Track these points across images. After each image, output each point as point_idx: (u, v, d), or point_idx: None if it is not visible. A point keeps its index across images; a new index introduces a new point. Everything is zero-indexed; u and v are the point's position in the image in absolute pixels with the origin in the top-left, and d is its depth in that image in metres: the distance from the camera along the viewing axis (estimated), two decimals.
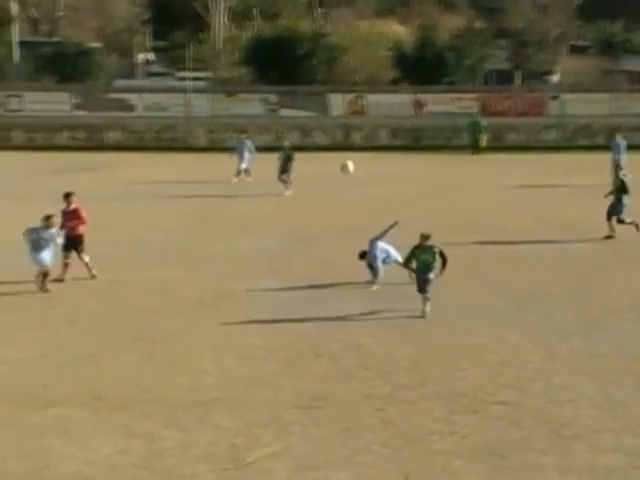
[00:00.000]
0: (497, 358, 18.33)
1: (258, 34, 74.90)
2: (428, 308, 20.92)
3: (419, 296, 21.00)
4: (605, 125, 58.27)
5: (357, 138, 58.93)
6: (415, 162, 51.20)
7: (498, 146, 56.46)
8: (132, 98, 60.28)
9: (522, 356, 18.48)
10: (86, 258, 23.96)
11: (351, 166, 19.71)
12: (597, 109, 59.39)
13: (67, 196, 24.33)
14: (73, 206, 24.11)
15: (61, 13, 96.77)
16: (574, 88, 63.06)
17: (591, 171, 41.90)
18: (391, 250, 23.47)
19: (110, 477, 13.37)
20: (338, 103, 61.13)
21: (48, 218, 22.67)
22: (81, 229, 23.99)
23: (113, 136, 57.07)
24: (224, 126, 56.77)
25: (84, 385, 16.80)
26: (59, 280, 23.58)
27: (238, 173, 41.94)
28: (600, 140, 56.60)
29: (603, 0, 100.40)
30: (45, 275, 22.54)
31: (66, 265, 23.81)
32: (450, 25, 78.26)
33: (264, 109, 60.46)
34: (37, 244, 22.39)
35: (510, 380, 17.11)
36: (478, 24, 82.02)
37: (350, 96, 61.39)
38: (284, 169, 38.64)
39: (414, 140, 59.00)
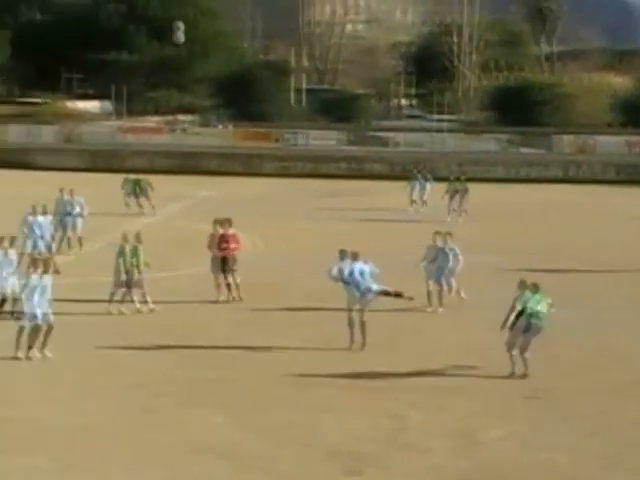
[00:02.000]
0: None
1: (502, 84, 75.17)
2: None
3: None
4: None
5: (579, 172, 57.51)
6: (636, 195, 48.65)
7: None
8: (392, 136, 61.03)
9: None
10: (238, 279, 22.42)
11: None
12: None
13: (226, 222, 22.84)
14: (232, 231, 22.71)
15: (341, 66, 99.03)
16: None
17: None
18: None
19: (362, 447, 13.62)
20: (564, 142, 60.12)
21: (354, 254, 18.88)
22: (237, 252, 22.59)
23: (375, 167, 57.53)
24: (468, 160, 56.63)
25: (347, 371, 17.15)
26: (225, 301, 22.34)
27: (412, 202, 39.93)
28: None
29: None
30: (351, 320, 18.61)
31: (227, 285, 22.39)
32: None
33: (500, 146, 60.06)
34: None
35: None
36: None
37: (576, 136, 60.28)
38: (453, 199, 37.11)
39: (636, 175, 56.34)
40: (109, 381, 16.45)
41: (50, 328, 17.48)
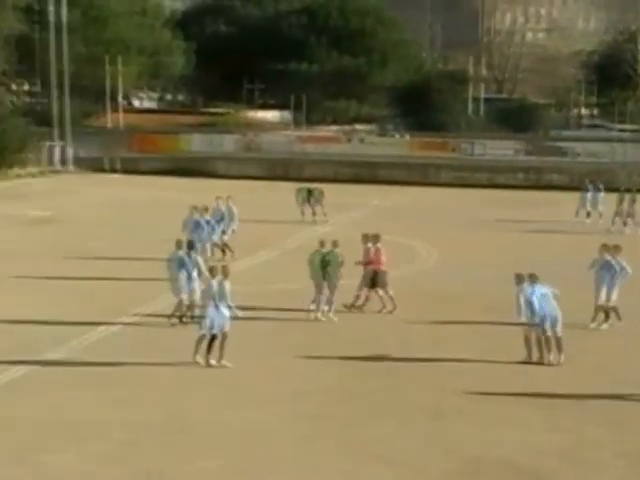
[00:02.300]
0: None
1: None
2: None
3: None
4: None
5: None
6: None
7: None
8: (572, 146, 59.81)
9: None
10: (390, 292, 22.25)
11: None
12: None
13: (373, 237, 22.59)
14: (379, 245, 22.39)
15: (520, 75, 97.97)
16: None
17: None
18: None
19: (535, 462, 13.41)
20: None
21: (531, 277, 18.39)
22: (383, 267, 22.25)
23: (554, 178, 56.43)
24: None
25: (522, 385, 16.91)
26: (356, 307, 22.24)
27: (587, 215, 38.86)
28: None
29: None
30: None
31: (366, 298, 22.30)
32: None
33: None
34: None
35: None
36: None
37: None
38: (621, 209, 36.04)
39: None
40: (282, 388, 16.72)
41: (224, 337, 17.70)
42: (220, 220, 28.37)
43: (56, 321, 20.66)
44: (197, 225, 26.47)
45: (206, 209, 26.86)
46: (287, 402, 16.00)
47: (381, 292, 22.32)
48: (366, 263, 22.35)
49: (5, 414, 15.07)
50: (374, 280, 22.28)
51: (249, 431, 14.57)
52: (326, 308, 21.51)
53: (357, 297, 22.37)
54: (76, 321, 20.70)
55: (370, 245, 22.46)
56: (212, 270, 18.39)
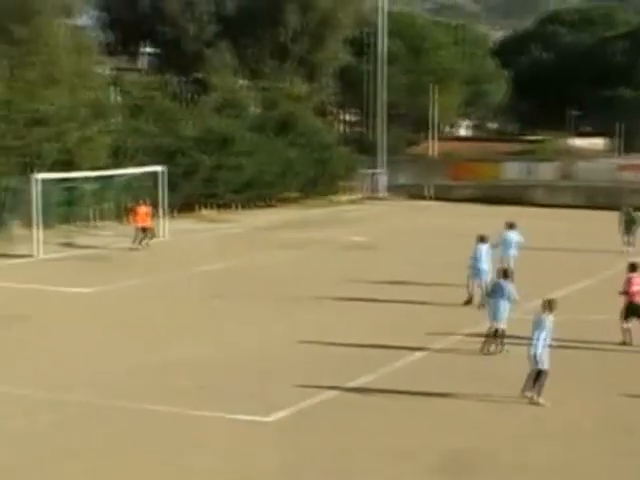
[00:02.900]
0: None
1: None
2: None
3: None
4: None
5: None
6: None
7: None
8: None
9: None
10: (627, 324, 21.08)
11: None
12: None
13: (632, 266, 21.56)
14: (634, 274, 21.18)
15: None
16: None
17: None
18: None
19: None
20: None
21: None
22: (637, 298, 21.03)
23: None
24: None
25: None
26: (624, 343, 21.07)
27: None
28: None
29: None
30: None
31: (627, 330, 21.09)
32: None
33: None
34: None
35: None
36: None
37: None
38: None
39: None
40: (589, 423, 16.09)
41: (539, 373, 16.79)
42: (510, 246, 27.89)
43: (368, 344, 20.95)
44: (481, 252, 25.75)
45: (482, 238, 26.15)
46: (589, 438, 15.36)
47: (626, 325, 21.11)
48: (624, 293, 21.40)
49: (309, 438, 15.19)
50: (628, 311, 21.22)
51: (552, 465, 14.07)
52: None
53: (623, 330, 21.29)
54: (388, 345, 20.87)
55: (634, 275, 21.39)
56: (547, 304, 17.41)
